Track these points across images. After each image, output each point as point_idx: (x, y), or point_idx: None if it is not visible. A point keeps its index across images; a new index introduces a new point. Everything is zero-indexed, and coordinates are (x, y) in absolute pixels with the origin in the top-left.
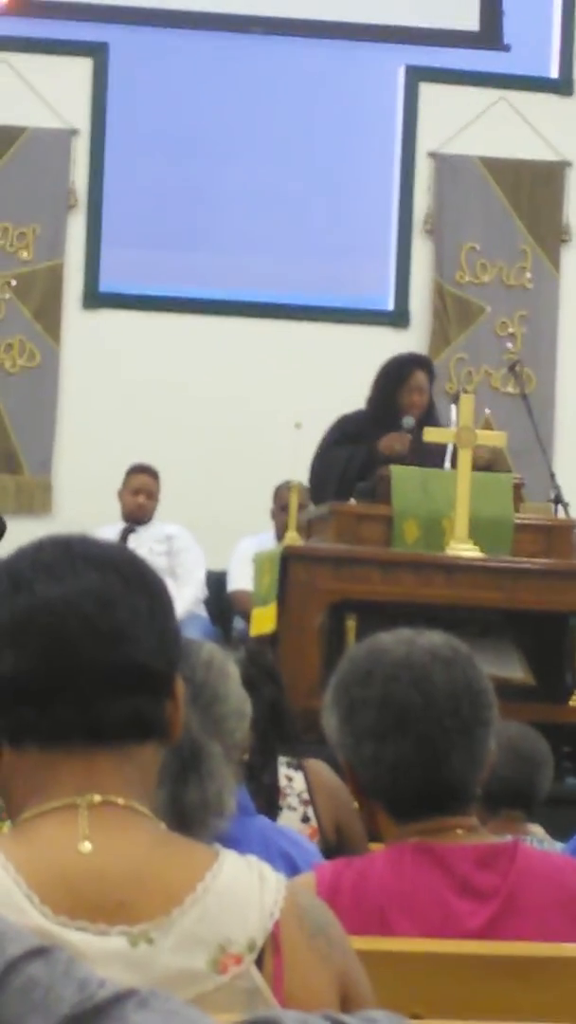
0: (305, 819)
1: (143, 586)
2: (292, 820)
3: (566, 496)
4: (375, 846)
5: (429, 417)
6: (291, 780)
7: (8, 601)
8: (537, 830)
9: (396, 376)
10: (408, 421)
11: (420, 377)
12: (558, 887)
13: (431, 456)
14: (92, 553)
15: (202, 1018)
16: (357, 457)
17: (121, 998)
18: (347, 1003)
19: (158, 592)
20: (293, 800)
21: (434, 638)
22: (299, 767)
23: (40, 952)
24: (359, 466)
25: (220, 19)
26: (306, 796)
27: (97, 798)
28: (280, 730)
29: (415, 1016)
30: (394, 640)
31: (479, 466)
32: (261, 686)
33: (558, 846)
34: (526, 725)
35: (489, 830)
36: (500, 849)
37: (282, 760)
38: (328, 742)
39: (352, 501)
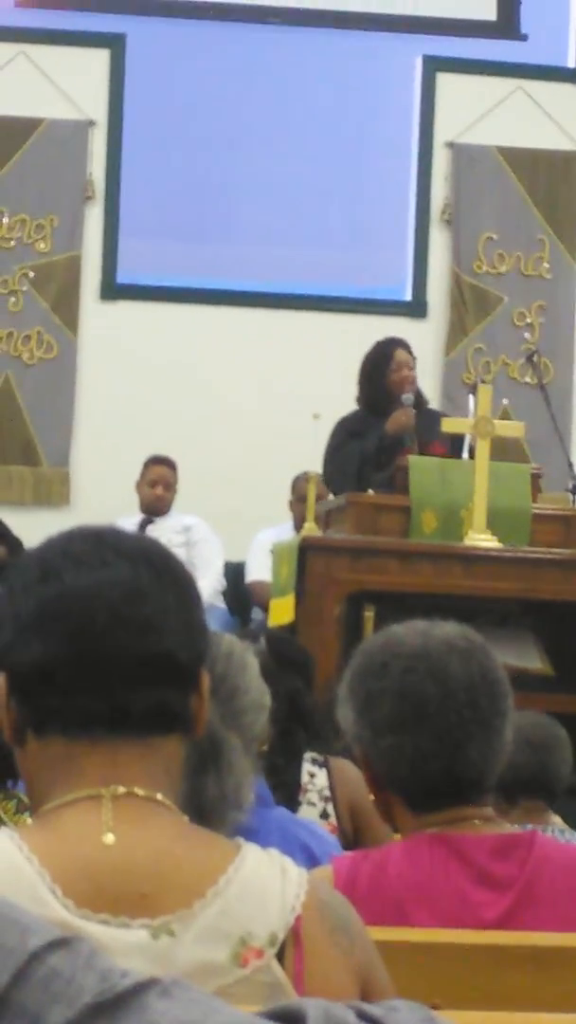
0: (324, 815)
1: (173, 579)
2: (311, 816)
3: None
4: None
5: (419, 396)
6: (314, 776)
7: (37, 590)
8: (559, 821)
9: (381, 359)
10: (408, 397)
11: (402, 354)
12: (575, 877)
13: (431, 431)
14: (123, 544)
15: (224, 1008)
16: (370, 445)
17: (143, 987)
18: (367, 996)
19: (187, 585)
20: (313, 796)
21: (449, 629)
22: (324, 764)
23: (62, 943)
24: (374, 452)
25: (237, 10)
26: (327, 793)
27: (121, 789)
28: (305, 726)
29: (433, 1007)
30: (409, 632)
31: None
32: (281, 679)
33: None
34: (540, 712)
35: (511, 821)
36: (517, 839)
37: (307, 756)
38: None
39: (370, 492)
